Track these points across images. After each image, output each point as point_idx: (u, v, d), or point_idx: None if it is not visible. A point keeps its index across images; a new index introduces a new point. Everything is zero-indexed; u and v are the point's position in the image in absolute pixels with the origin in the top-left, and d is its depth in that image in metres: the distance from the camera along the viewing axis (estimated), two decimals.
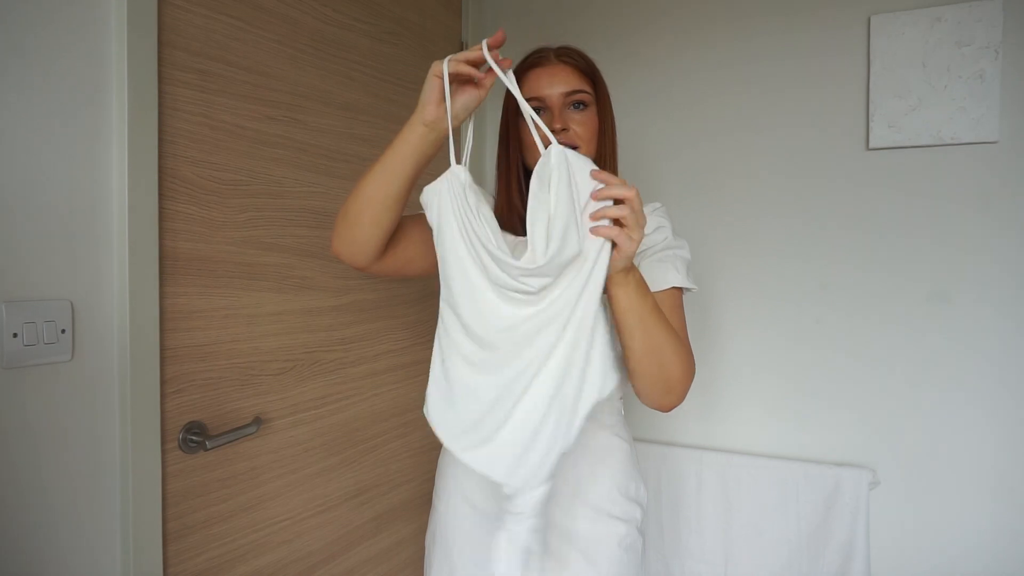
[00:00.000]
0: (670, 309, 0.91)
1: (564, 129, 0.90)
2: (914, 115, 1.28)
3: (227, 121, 1.04)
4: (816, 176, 1.39)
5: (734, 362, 1.47)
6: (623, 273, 0.75)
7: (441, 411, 0.81)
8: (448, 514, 1.01)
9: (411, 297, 1.45)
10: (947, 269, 1.29)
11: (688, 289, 0.96)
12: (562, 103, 0.91)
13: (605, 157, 0.95)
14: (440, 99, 0.78)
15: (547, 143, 0.76)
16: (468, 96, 0.80)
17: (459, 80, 0.78)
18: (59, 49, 0.82)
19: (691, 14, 1.49)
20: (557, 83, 0.91)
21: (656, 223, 0.96)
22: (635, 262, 0.95)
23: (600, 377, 0.75)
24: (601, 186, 0.72)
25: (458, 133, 0.83)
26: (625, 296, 0.76)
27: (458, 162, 0.79)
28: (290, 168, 1.15)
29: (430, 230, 0.95)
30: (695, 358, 0.90)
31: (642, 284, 0.78)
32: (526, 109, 0.74)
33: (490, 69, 0.75)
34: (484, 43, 0.74)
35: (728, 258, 1.46)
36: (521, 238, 0.91)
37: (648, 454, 1.48)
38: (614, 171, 0.96)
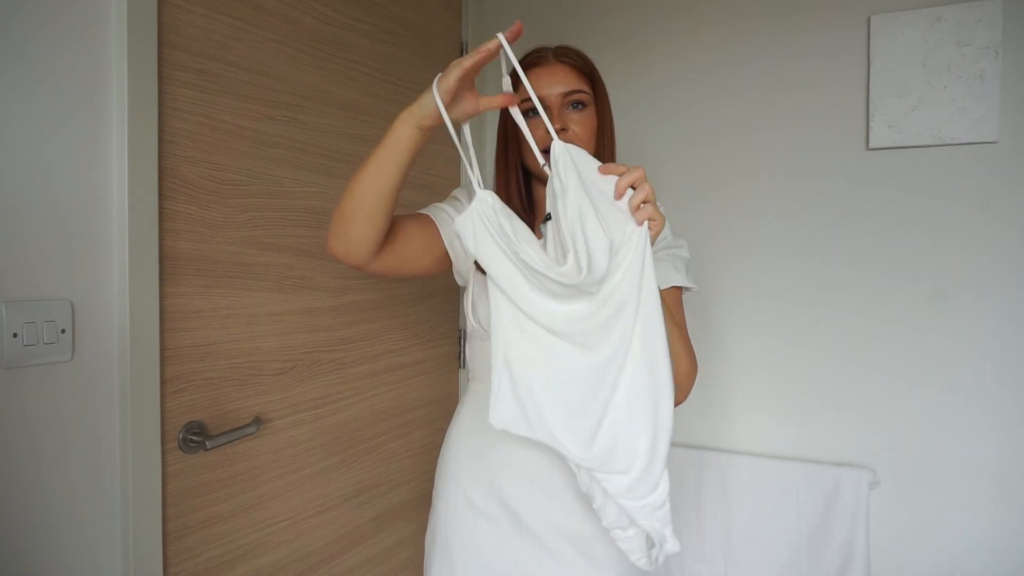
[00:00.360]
0: (671, 308, 0.91)
1: (563, 129, 0.90)
2: (914, 115, 1.28)
3: (227, 121, 1.04)
4: (816, 176, 1.38)
5: (734, 362, 1.47)
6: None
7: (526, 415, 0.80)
8: (448, 514, 1.01)
9: (411, 297, 1.45)
10: (947, 269, 1.29)
11: (688, 288, 0.96)
12: (560, 103, 0.91)
13: (604, 157, 0.95)
14: (446, 106, 0.78)
15: (541, 146, 0.76)
16: (468, 103, 0.80)
17: (467, 81, 0.78)
18: (59, 49, 0.82)
19: (691, 14, 1.49)
20: (555, 83, 0.91)
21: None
22: None
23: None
24: (613, 179, 0.73)
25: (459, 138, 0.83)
26: None
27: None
28: (290, 168, 1.15)
29: (429, 230, 0.94)
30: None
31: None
32: (538, 106, 0.75)
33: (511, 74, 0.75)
34: (502, 37, 0.73)
35: (728, 258, 1.46)
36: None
37: None
38: None
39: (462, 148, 0.80)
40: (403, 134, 0.81)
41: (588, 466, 0.79)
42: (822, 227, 1.38)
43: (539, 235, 0.96)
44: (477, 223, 0.77)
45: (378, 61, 1.34)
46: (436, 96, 0.76)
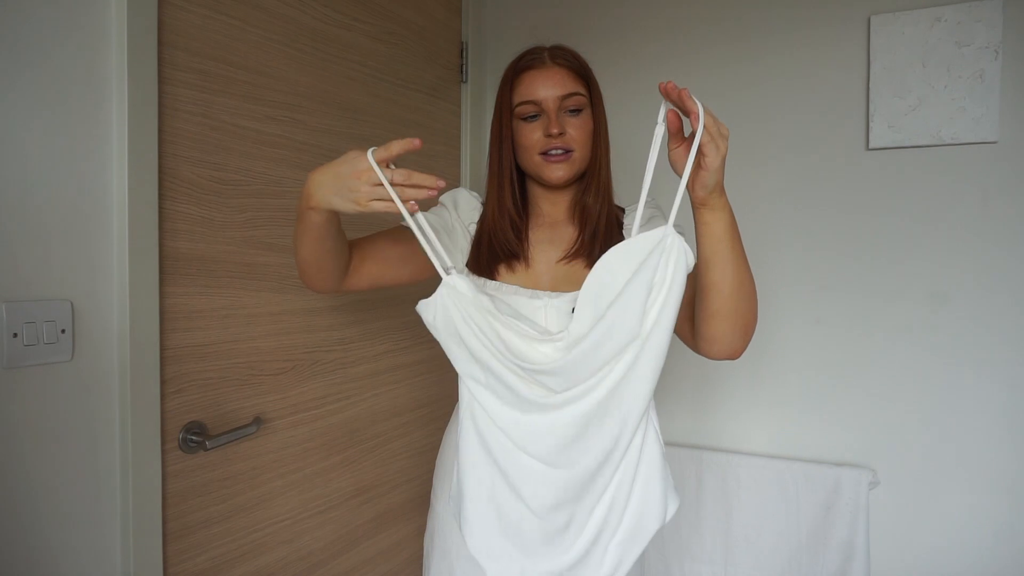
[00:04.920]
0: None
1: (561, 133, 0.89)
2: (914, 115, 1.28)
3: (227, 121, 1.04)
4: (816, 176, 1.38)
5: (734, 362, 1.47)
6: (716, 195, 0.70)
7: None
8: (446, 515, 1.00)
9: (411, 297, 1.45)
10: (947, 269, 1.29)
11: None
12: (558, 106, 0.91)
13: (599, 158, 0.94)
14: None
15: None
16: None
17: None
18: (59, 49, 0.82)
19: (692, 13, 1.49)
20: (553, 86, 0.90)
21: (649, 213, 0.95)
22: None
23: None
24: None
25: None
26: (720, 222, 0.71)
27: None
28: (290, 168, 1.15)
29: (406, 244, 0.94)
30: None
31: (731, 211, 0.73)
32: None
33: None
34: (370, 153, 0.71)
35: None
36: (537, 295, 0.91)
37: None
38: (607, 172, 0.95)
39: (423, 237, 0.77)
40: (321, 218, 0.77)
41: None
42: (822, 227, 1.38)
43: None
44: (447, 311, 0.77)
45: (378, 61, 1.34)
46: (376, 168, 0.71)
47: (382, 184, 0.70)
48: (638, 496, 0.79)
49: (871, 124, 1.32)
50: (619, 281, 0.71)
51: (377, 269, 0.93)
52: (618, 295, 0.71)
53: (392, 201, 0.71)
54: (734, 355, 0.82)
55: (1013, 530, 1.25)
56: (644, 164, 0.73)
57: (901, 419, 1.33)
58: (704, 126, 0.65)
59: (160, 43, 0.93)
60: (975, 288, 1.27)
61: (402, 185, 0.71)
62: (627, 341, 0.73)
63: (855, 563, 1.29)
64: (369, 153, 0.71)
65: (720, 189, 0.71)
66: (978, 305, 1.27)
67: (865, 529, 1.29)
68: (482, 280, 0.94)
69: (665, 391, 1.53)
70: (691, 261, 0.72)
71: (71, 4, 0.83)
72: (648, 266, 0.70)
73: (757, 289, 0.80)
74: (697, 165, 0.69)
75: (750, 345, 1.42)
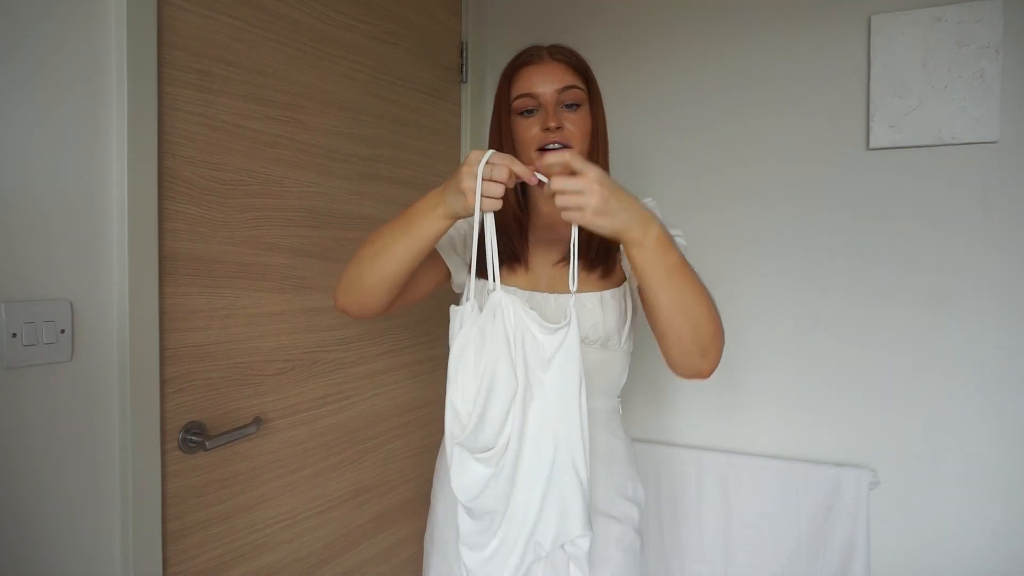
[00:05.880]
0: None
1: (559, 127, 0.90)
2: (914, 115, 1.28)
3: (227, 121, 1.04)
4: (816, 176, 1.38)
5: (734, 362, 1.47)
6: (636, 233, 0.73)
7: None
8: (446, 516, 1.00)
9: None
10: (947, 269, 1.29)
11: None
12: (556, 101, 0.91)
13: (597, 156, 0.94)
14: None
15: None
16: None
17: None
18: (59, 49, 0.82)
19: (692, 13, 1.49)
20: (551, 80, 0.91)
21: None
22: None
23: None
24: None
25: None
26: (640, 255, 0.75)
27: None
28: (290, 168, 1.15)
29: (429, 257, 0.96)
30: None
31: (663, 242, 0.75)
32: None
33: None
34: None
35: (727, 259, 1.46)
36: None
37: (648, 454, 1.48)
38: (606, 169, 0.96)
39: (489, 241, 0.79)
40: (436, 223, 0.81)
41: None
42: (822, 227, 1.38)
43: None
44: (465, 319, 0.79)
45: (378, 61, 1.34)
46: (479, 186, 0.75)
47: (482, 180, 0.76)
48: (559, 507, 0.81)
49: (871, 124, 1.32)
50: (487, 353, 0.75)
51: (413, 289, 0.96)
52: (486, 366, 0.74)
53: (487, 196, 0.76)
54: (698, 375, 0.83)
55: (1012, 530, 1.25)
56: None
57: (902, 419, 1.33)
58: (555, 190, 0.73)
59: (160, 43, 0.93)
60: (975, 288, 1.27)
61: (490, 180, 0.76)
62: (510, 398, 0.76)
63: (855, 563, 1.29)
64: (486, 154, 0.75)
65: (635, 228, 0.73)
66: (978, 305, 1.27)
67: (865, 529, 1.29)
68: (481, 282, 0.94)
69: (665, 392, 1.53)
70: (530, 309, 0.76)
71: (71, 4, 0.83)
72: (496, 332, 0.74)
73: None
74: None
75: (750, 345, 1.43)
